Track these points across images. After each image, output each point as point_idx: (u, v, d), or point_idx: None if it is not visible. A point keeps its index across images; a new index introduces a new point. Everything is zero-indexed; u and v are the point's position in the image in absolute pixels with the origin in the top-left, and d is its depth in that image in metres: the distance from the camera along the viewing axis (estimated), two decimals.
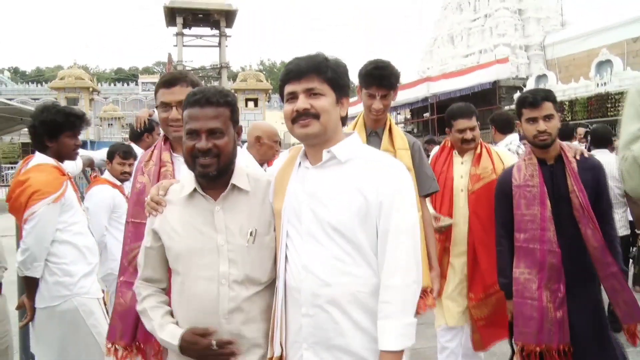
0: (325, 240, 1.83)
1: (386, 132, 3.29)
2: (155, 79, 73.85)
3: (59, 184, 3.00)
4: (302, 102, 1.85)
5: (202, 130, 1.93)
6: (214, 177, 1.96)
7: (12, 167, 21.13)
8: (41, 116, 3.09)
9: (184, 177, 2.12)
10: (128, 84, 73.08)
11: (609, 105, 19.87)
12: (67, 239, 3.04)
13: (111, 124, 35.45)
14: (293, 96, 1.88)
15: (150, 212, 2.06)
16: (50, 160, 3.10)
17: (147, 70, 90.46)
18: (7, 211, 3.07)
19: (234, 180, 2.01)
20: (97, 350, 2.99)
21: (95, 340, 3.02)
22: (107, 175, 4.48)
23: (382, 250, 1.84)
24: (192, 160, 1.95)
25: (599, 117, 19.21)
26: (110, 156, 4.46)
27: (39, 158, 3.13)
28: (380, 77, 3.11)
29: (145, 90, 68.76)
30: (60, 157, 3.21)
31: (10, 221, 3.42)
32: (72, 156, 3.32)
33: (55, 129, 3.11)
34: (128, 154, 4.53)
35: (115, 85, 71.81)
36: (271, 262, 2.02)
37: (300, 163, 1.99)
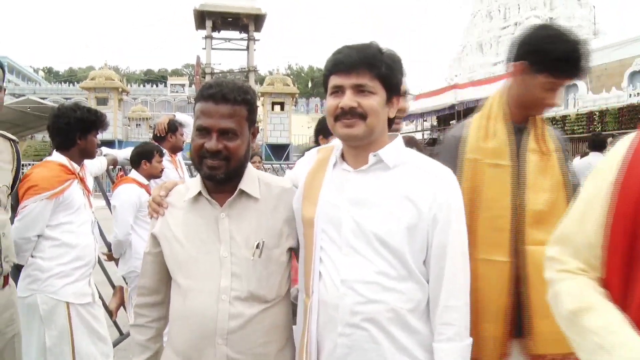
0: (369, 252, 1.63)
1: (533, 129, 2.34)
2: (184, 81, 74.77)
3: (57, 182, 3.00)
4: (349, 99, 1.64)
5: (213, 128, 1.72)
6: (221, 180, 1.76)
7: None
8: (75, 114, 3.12)
9: (192, 179, 1.94)
10: (157, 86, 74.04)
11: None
12: (53, 235, 3.02)
13: (139, 124, 35.98)
14: (339, 90, 1.67)
15: (151, 214, 1.92)
16: (62, 159, 3.12)
17: (176, 72, 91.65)
18: None
19: (243, 185, 1.81)
20: (44, 357, 2.97)
21: (43, 343, 2.98)
22: (134, 174, 4.53)
23: (437, 267, 1.65)
24: (199, 160, 1.75)
25: (631, 128, 18.82)
26: (149, 156, 4.51)
27: (52, 155, 3.17)
28: (577, 65, 2.21)
29: (174, 92, 69.56)
30: (86, 155, 3.26)
31: None
32: (94, 154, 3.39)
33: (88, 127, 3.17)
34: (163, 153, 4.63)
35: (144, 86, 72.87)
36: (279, 278, 1.83)
37: (334, 165, 1.78)
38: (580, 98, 24.23)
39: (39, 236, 2.98)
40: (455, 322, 1.63)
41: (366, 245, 1.63)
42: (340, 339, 1.65)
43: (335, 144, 1.82)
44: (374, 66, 1.65)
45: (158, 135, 4.96)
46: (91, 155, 3.36)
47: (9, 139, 2.58)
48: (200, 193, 1.80)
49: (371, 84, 1.64)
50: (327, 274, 1.67)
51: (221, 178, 1.75)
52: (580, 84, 24.79)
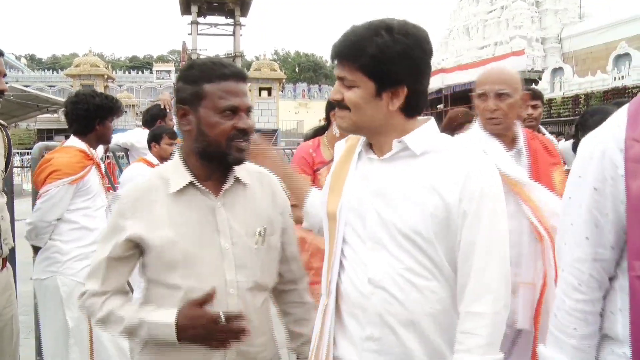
0: (395, 248, 1.47)
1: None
2: (170, 67, 74.25)
3: (80, 167, 3.07)
4: (335, 91, 1.52)
5: (242, 107, 1.62)
6: (241, 163, 1.68)
7: (28, 153, 21.40)
8: (94, 100, 3.18)
9: (163, 170, 1.73)
10: (142, 72, 73.61)
11: (627, 99, 19.61)
12: (73, 219, 3.09)
13: (125, 111, 35.60)
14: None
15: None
16: (81, 145, 3.18)
17: (162, 59, 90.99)
18: (21, 196, 3.15)
19: (237, 171, 1.70)
20: (64, 336, 3.03)
21: (66, 325, 3.03)
22: (149, 157, 4.58)
23: (465, 266, 1.47)
24: (226, 143, 1.61)
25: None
26: (157, 138, 4.57)
27: (71, 141, 3.23)
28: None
29: (160, 79, 69.12)
30: (102, 141, 3.36)
31: (26, 205, 3.49)
32: (110, 140, 3.49)
33: (105, 113, 3.23)
34: (174, 135, 4.66)
35: (129, 73, 72.37)
36: (276, 265, 1.79)
37: (360, 154, 1.62)
38: (566, 81, 24.48)
39: (58, 219, 3.04)
40: (478, 331, 1.42)
41: (390, 240, 1.48)
42: (366, 344, 1.50)
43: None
44: (355, 57, 1.46)
45: (165, 109, 5.05)
46: (107, 141, 3.47)
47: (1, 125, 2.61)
48: (191, 183, 1.65)
49: (351, 77, 1.48)
50: (352, 270, 1.53)
51: (244, 160, 1.66)
52: (566, 67, 25.00)
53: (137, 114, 38.59)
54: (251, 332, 1.61)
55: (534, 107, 3.95)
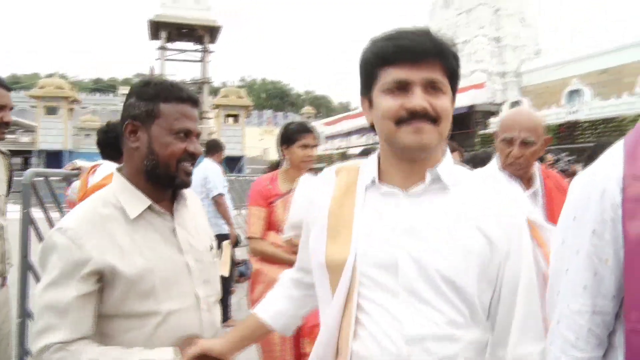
0: (434, 298, 1.26)
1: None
2: None
3: None
4: (422, 99, 1.24)
5: (194, 132, 1.60)
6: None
7: None
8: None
9: (109, 196, 1.60)
10: (107, 95, 73.14)
11: (578, 133, 20.74)
12: None
13: (89, 134, 35.23)
14: (402, 87, 1.26)
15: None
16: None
17: (127, 82, 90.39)
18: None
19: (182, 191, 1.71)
20: None
21: None
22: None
23: (506, 306, 1.33)
24: (175, 165, 1.58)
25: (568, 143, 20.00)
26: None
27: (108, 167, 3.25)
28: None
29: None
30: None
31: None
32: None
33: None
34: None
35: (93, 95, 71.78)
36: None
37: (367, 188, 1.38)
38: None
39: None
40: None
41: (430, 288, 1.26)
42: None
43: (356, 161, 1.49)
44: (446, 57, 1.26)
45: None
46: None
47: (3, 153, 2.80)
48: (150, 207, 1.59)
49: (442, 80, 1.27)
50: (377, 329, 1.27)
51: (190, 184, 1.65)
52: (524, 100, 26.03)
53: None
54: None
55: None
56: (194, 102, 1.62)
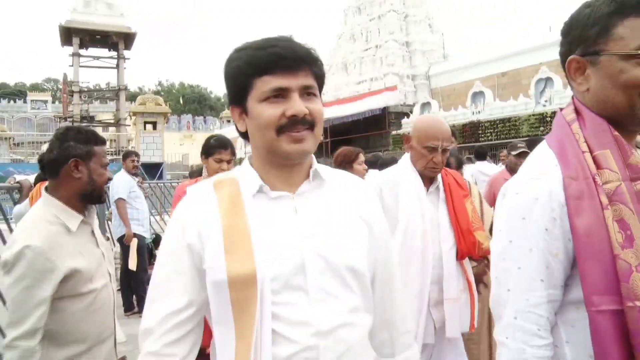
0: (340, 289, 1.31)
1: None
2: (46, 96, 70.40)
3: None
4: (301, 104, 1.28)
5: (108, 164, 2.42)
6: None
7: None
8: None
9: (49, 216, 2.17)
10: (15, 101, 69.16)
11: (480, 132, 22.11)
12: None
13: None
14: (280, 94, 1.28)
15: None
16: None
17: (36, 87, 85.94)
18: None
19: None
20: None
21: None
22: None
23: (386, 289, 1.48)
24: (104, 187, 2.34)
25: (472, 141, 21.31)
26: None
27: None
28: None
29: (35, 109, 65.40)
30: None
31: None
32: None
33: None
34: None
35: (0, 102, 67.76)
36: None
37: (253, 196, 1.35)
38: (434, 114, 26.59)
39: None
40: (411, 329, 1.57)
41: (335, 280, 1.31)
42: None
43: (227, 174, 1.46)
44: (315, 63, 1.32)
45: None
46: None
47: None
48: (82, 220, 2.35)
49: (314, 84, 1.32)
50: (290, 332, 1.25)
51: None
52: (433, 102, 27.29)
53: (10, 146, 36.62)
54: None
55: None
56: (105, 142, 2.39)
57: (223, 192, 1.36)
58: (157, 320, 1.29)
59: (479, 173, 7.69)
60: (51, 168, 2.21)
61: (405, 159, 2.89)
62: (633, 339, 1.16)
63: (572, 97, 1.41)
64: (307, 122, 1.29)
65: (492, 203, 4.33)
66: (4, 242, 4.30)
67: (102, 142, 2.34)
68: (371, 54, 32.62)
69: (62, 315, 2.08)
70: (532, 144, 5.29)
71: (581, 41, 1.32)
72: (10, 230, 4.85)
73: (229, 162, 3.71)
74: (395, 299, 1.51)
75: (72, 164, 2.18)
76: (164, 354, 1.27)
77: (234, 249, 1.27)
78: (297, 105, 1.27)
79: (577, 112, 1.37)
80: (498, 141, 19.92)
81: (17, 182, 4.97)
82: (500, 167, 8.82)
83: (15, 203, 4.94)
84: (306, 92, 1.30)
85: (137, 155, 7.13)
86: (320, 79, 1.35)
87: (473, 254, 2.87)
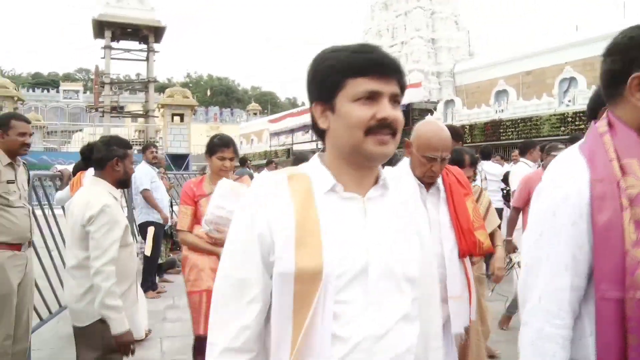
0: (397, 297, 1.36)
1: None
2: (78, 86, 71.69)
3: None
4: (391, 110, 1.33)
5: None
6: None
7: None
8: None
9: (101, 189, 3.10)
10: (48, 91, 70.56)
11: (502, 131, 22.18)
12: None
13: (32, 133, 34.92)
14: (372, 97, 1.32)
15: None
16: None
17: (68, 77, 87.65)
18: None
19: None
20: None
21: None
22: None
23: (426, 296, 1.50)
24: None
25: (494, 140, 21.40)
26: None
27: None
28: None
29: (67, 98, 66.72)
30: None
31: None
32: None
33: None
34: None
35: (33, 91, 69.09)
36: None
37: (325, 194, 1.36)
38: (457, 112, 26.43)
39: None
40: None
41: (393, 286, 1.35)
42: None
43: (297, 168, 1.46)
44: (402, 74, 1.38)
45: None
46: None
47: (24, 164, 3.93)
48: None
49: (400, 94, 1.37)
50: (345, 332, 1.28)
51: None
52: (457, 99, 27.39)
53: (44, 135, 37.65)
54: None
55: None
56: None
57: (296, 186, 1.37)
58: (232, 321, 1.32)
59: (484, 172, 8.04)
60: (99, 163, 3.15)
61: (405, 163, 2.95)
62: (627, 323, 1.30)
63: (607, 111, 1.53)
64: (392, 128, 1.33)
65: (528, 201, 4.75)
66: (55, 224, 4.93)
67: (131, 147, 3.28)
68: (397, 50, 32.82)
69: (119, 260, 2.90)
70: (573, 141, 5.54)
71: None
72: (53, 212, 5.49)
73: (231, 159, 3.86)
74: (433, 313, 1.54)
75: (115, 161, 3.12)
76: (243, 349, 1.32)
77: (304, 243, 1.29)
78: (387, 110, 1.31)
79: (609, 124, 1.49)
80: (518, 140, 19.98)
81: (59, 172, 5.56)
82: (507, 167, 8.95)
83: (57, 189, 5.55)
84: (393, 100, 1.34)
85: (155, 147, 7.78)
86: (403, 90, 1.38)
87: (474, 253, 2.95)
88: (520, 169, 6.81)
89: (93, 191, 3.03)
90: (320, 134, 1.42)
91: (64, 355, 4.66)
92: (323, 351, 1.25)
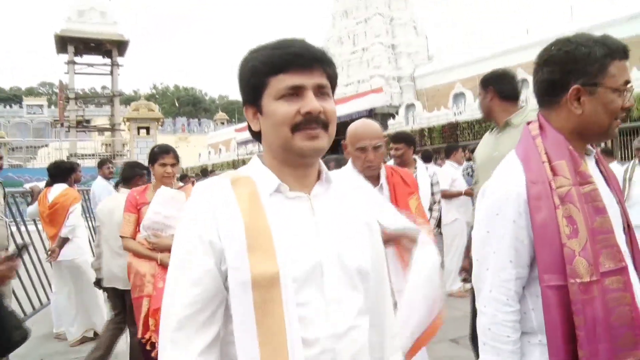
0: (351, 293, 1.33)
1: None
2: (42, 101, 70.59)
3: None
4: (316, 103, 1.27)
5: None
6: None
7: None
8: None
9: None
10: (11, 106, 69.40)
11: (458, 133, 22.82)
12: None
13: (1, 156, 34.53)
14: (295, 92, 1.28)
15: None
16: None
17: (31, 91, 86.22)
18: None
19: None
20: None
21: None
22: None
23: (378, 286, 1.46)
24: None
25: (451, 142, 21.91)
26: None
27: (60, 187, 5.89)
28: None
29: (31, 113, 65.77)
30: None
31: None
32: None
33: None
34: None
35: None
36: None
37: (270, 195, 1.31)
38: (417, 116, 26.89)
39: None
40: (399, 353, 1.56)
41: (347, 282, 1.33)
42: None
43: (239, 171, 1.41)
44: (328, 63, 1.34)
45: None
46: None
47: (0, 182, 4.47)
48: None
49: (327, 84, 1.33)
50: (308, 334, 1.24)
51: None
52: (418, 103, 27.82)
53: (8, 151, 37.25)
54: None
55: (397, 149, 4.89)
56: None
57: (241, 190, 1.30)
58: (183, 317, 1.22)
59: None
60: (125, 180, 4.92)
61: (349, 164, 3.07)
62: (572, 306, 1.45)
63: (538, 114, 1.70)
64: (321, 121, 1.28)
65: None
66: (21, 236, 5.42)
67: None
68: (358, 56, 33.24)
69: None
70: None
71: (583, 74, 1.56)
72: (25, 226, 6.05)
73: (172, 165, 3.94)
74: (386, 303, 1.51)
75: (137, 178, 4.78)
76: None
77: (256, 248, 1.22)
78: (312, 103, 1.26)
79: (540, 127, 1.65)
80: (474, 141, 20.52)
81: (30, 189, 6.18)
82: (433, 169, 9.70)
83: (28, 205, 6.15)
84: (320, 92, 1.30)
85: (111, 162, 8.50)
86: (333, 79, 1.35)
87: None
88: (447, 170, 7.60)
89: (123, 198, 4.20)
90: (257, 136, 1.39)
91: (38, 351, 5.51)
92: (295, 357, 1.19)
